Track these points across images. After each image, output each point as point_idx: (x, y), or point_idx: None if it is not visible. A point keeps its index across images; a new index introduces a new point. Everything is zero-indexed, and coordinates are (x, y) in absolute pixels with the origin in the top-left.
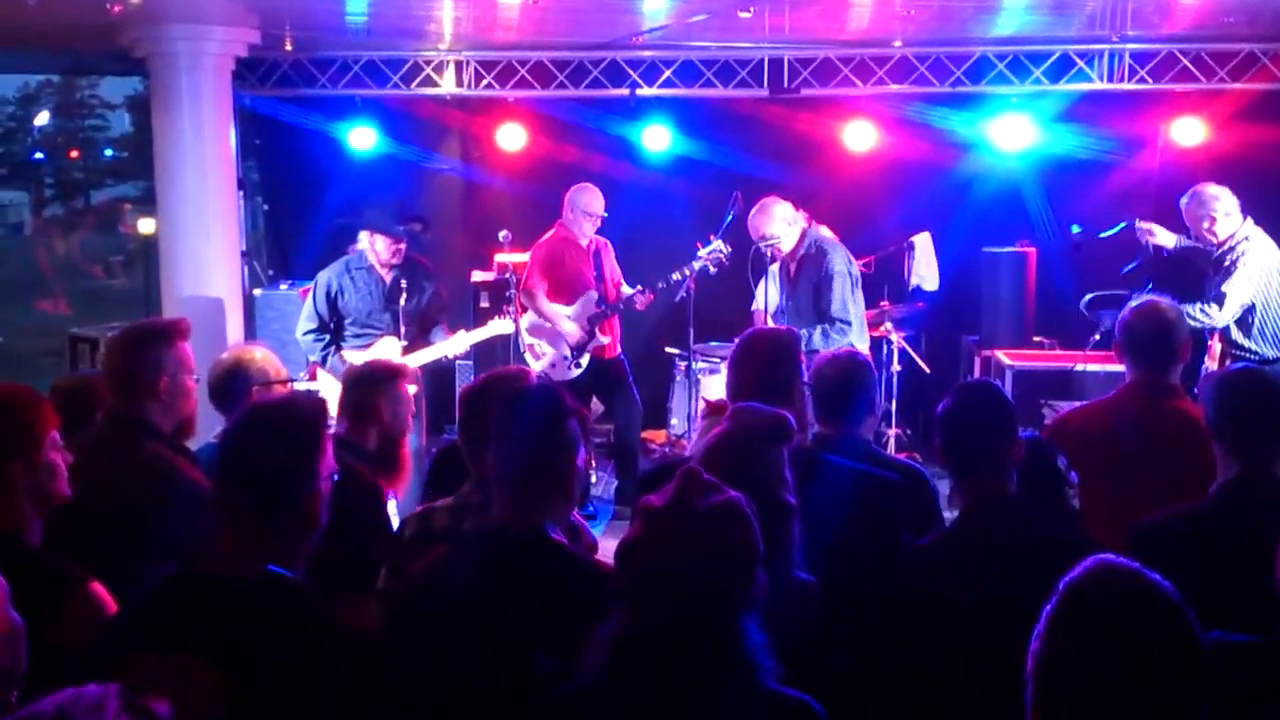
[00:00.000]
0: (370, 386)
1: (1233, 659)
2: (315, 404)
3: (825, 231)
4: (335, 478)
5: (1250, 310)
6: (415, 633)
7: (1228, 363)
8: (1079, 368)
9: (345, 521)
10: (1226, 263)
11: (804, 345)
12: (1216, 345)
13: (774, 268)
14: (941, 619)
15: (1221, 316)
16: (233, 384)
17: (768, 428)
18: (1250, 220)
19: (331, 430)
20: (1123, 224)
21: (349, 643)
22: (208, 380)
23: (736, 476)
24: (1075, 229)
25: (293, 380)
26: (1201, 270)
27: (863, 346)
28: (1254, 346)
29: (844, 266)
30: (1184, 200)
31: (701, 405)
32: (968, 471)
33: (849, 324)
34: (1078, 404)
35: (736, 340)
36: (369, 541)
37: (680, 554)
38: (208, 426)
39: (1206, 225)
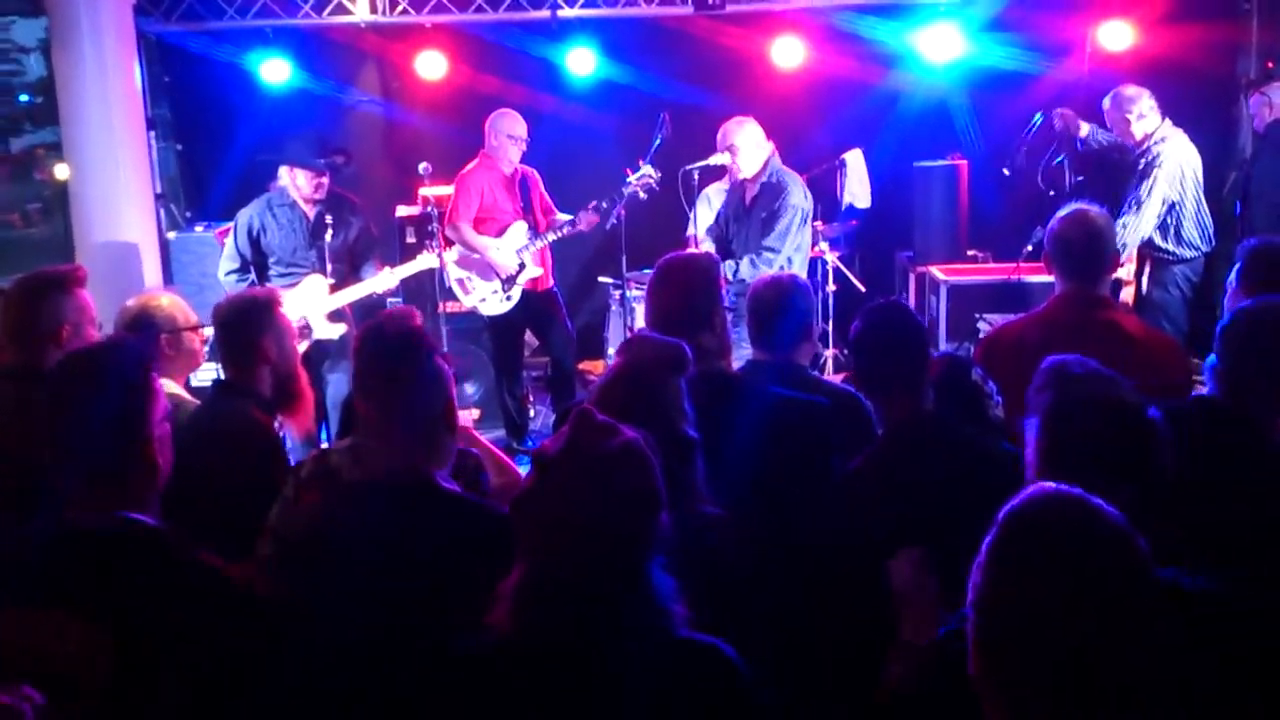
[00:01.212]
0: (245, 325)
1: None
2: (136, 349)
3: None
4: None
5: (1170, 210)
6: (298, 584)
7: (1146, 266)
8: (1013, 280)
9: (234, 473)
10: (1142, 165)
11: (732, 274)
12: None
13: (709, 190)
14: (870, 540)
15: (1144, 225)
16: (140, 330)
17: (664, 359)
18: (1168, 121)
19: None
20: (1040, 115)
21: (215, 586)
22: (114, 328)
23: (633, 411)
24: (1005, 171)
25: (202, 325)
26: (1122, 169)
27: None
28: (1171, 247)
29: (800, 202)
30: (1105, 103)
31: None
32: (884, 392)
33: (776, 252)
34: (1011, 317)
35: (653, 268)
36: (257, 493)
37: (577, 503)
38: None
39: (1124, 127)
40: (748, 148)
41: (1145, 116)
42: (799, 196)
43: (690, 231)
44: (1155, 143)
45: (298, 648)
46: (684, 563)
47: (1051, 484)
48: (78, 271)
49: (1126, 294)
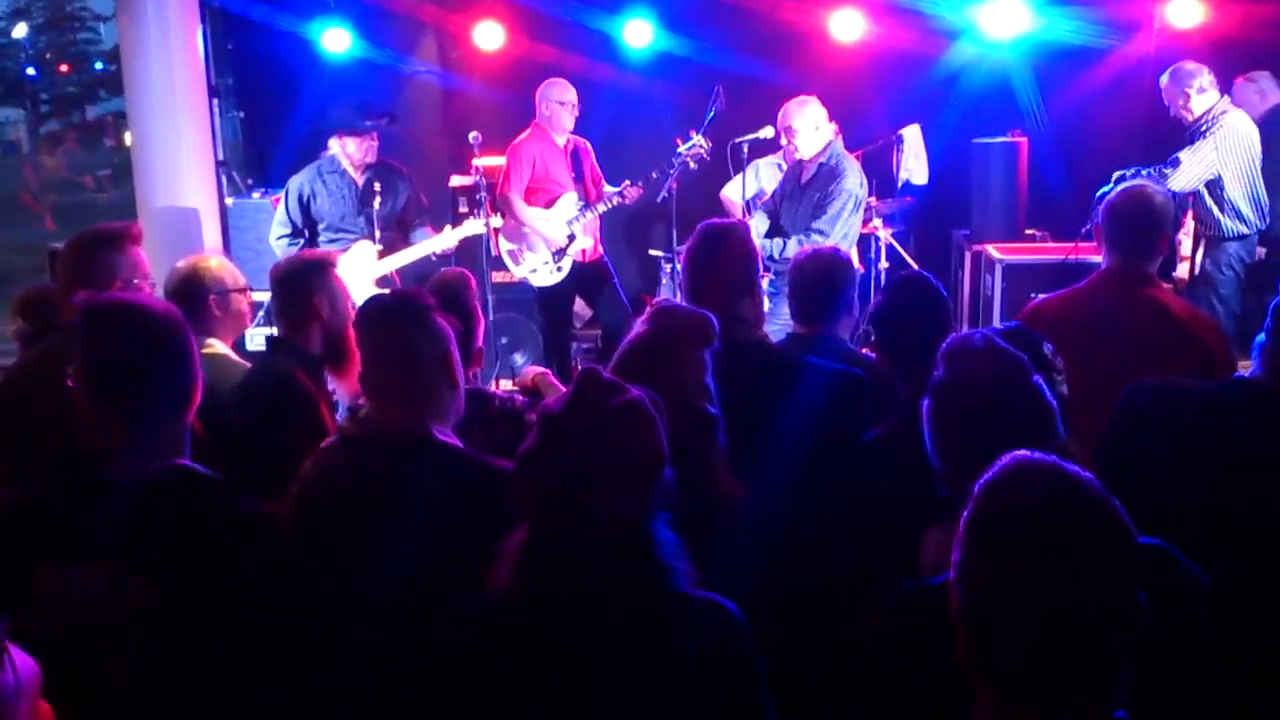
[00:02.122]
0: (300, 283)
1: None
2: (161, 303)
3: (845, 152)
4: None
5: (1217, 184)
6: (312, 536)
7: (1201, 245)
8: (1070, 260)
9: (271, 427)
10: (1195, 136)
11: (779, 253)
12: (1189, 221)
13: (760, 162)
14: (887, 514)
15: (1175, 180)
16: (189, 292)
17: (690, 330)
18: (1227, 98)
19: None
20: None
21: (268, 531)
22: (164, 290)
23: (653, 382)
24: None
25: (250, 288)
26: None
27: None
28: (1226, 222)
29: (854, 187)
30: (1163, 79)
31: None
32: (905, 366)
33: (824, 235)
34: (1052, 294)
35: (689, 242)
36: (291, 448)
37: (578, 459)
38: None
39: (1182, 102)
40: (806, 130)
41: (1205, 92)
42: (854, 182)
43: (724, 193)
44: (1215, 116)
45: (303, 603)
46: (701, 536)
47: (1026, 452)
48: (132, 228)
49: (1183, 269)
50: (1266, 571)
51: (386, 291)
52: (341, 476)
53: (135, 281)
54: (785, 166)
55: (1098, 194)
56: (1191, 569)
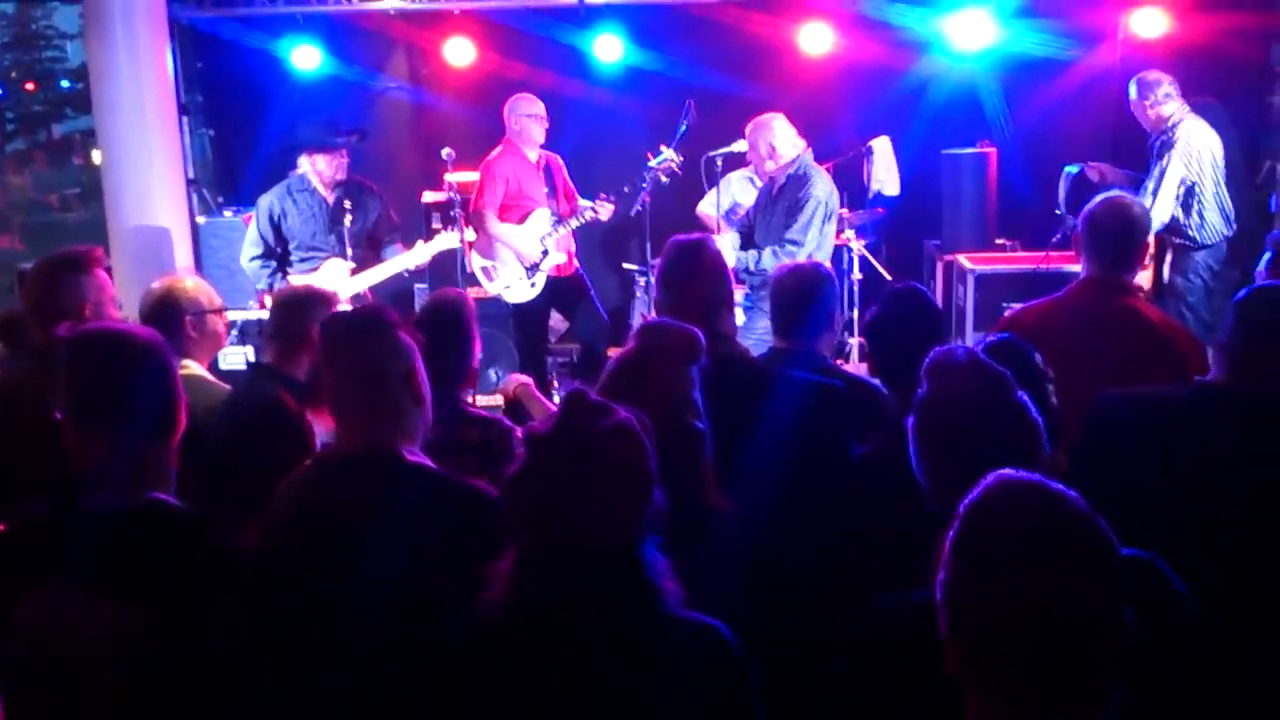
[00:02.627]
0: (301, 311)
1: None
2: (145, 330)
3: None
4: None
5: (1189, 192)
6: (284, 559)
7: (1167, 253)
8: (1041, 269)
9: (263, 453)
10: (1158, 147)
11: (755, 264)
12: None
13: (732, 175)
14: (878, 528)
15: (1161, 208)
16: (165, 314)
17: (679, 347)
18: (1186, 106)
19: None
20: (1074, 167)
21: (240, 566)
22: (139, 311)
23: (643, 399)
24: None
25: (227, 309)
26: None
27: None
28: (1193, 233)
29: (823, 194)
30: (1130, 89)
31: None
32: (898, 378)
33: (799, 245)
34: (1031, 303)
35: (663, 255)
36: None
37: (566, 482)
38: None
39: (1143, 111)
40: (784, 146)
41: (1163, 102)
42: (822, 189)
43: (700, 209)
44: (1171, 126)
45: (282, 623)
46: (689, 553)
47: (1010, 471)
48: (95, 252)
49: (1143, 278)
50: (1243, 572)
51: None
52: (311, 495)
53: (103, 305)
54: (759, 180)
55: (1062, 185)
56: (1174, 580)
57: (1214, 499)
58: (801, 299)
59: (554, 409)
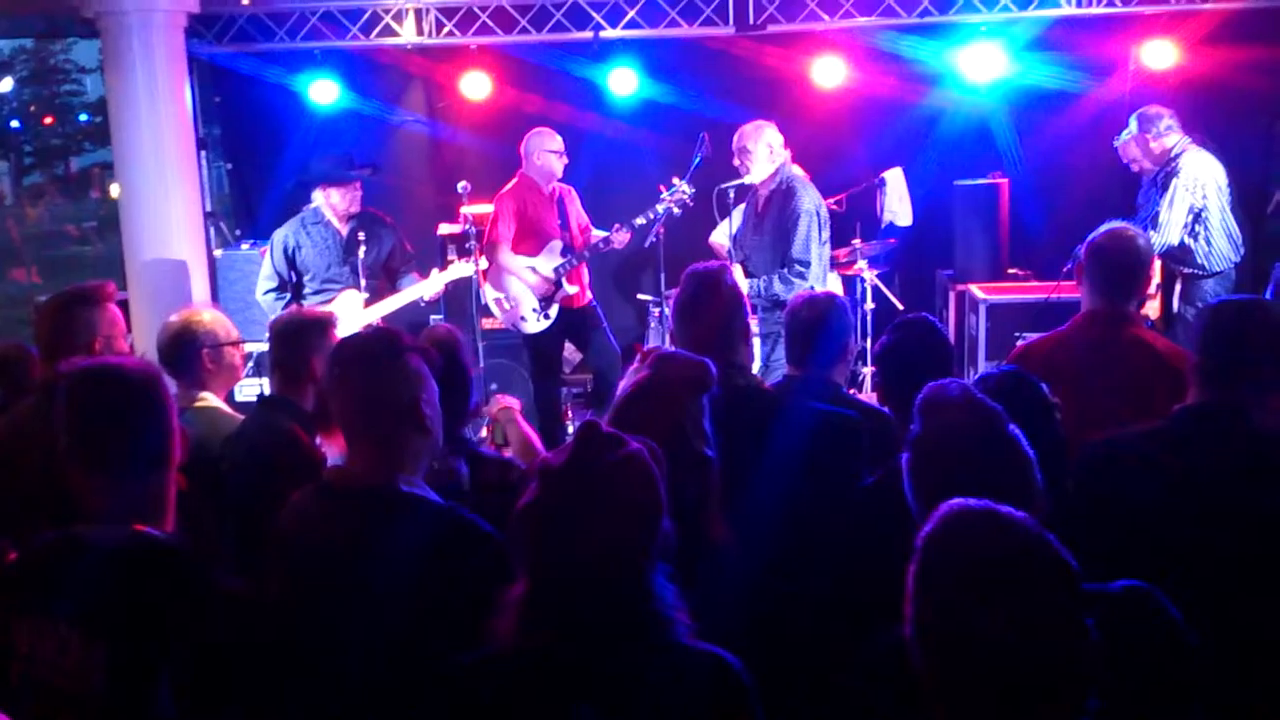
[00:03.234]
0: (298, 341)
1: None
2: (141, 363)
3: (797, 170)
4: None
5: (1197, 218)
6: (283, 588)
7: (1176, 283)
8: (1053, 299)
9: (273, 483)
10: (1162, 177)
11: (765, 290)
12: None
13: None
14: (886, 557)
15: (1170, 233)
16: (182, 347)
17: (689, 378)
18: (1188, 138)
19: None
20: None
21: (226, 604)
22: (156, 344)
23: (653, 429)
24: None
25: (244, 341)
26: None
27: (827, 286)
28: (1201, 260)
29: (811, 206)
30: (1130, 124)
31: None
32: (906, 406)
33: (807, 265)
34: (1037, 337)
35: (680, 286)
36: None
37: (578, 515)
38: None
39: (1146, 145)
40: (760, 153)
41: (1165, 134)
42: (809, 201)
43: (713, 239)
44: (1175, 156)
45: (289, 651)
46: (695, 579)
47: (961, 500)
48: (107, 286)
49: (1151, 308)
50: (1237, 593)
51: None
52: (315, 525)
53: (114, 339)
54: None
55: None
56: (1172, 610)
57: (1204, 522)
58: (815, 328)
59: (533, 436)
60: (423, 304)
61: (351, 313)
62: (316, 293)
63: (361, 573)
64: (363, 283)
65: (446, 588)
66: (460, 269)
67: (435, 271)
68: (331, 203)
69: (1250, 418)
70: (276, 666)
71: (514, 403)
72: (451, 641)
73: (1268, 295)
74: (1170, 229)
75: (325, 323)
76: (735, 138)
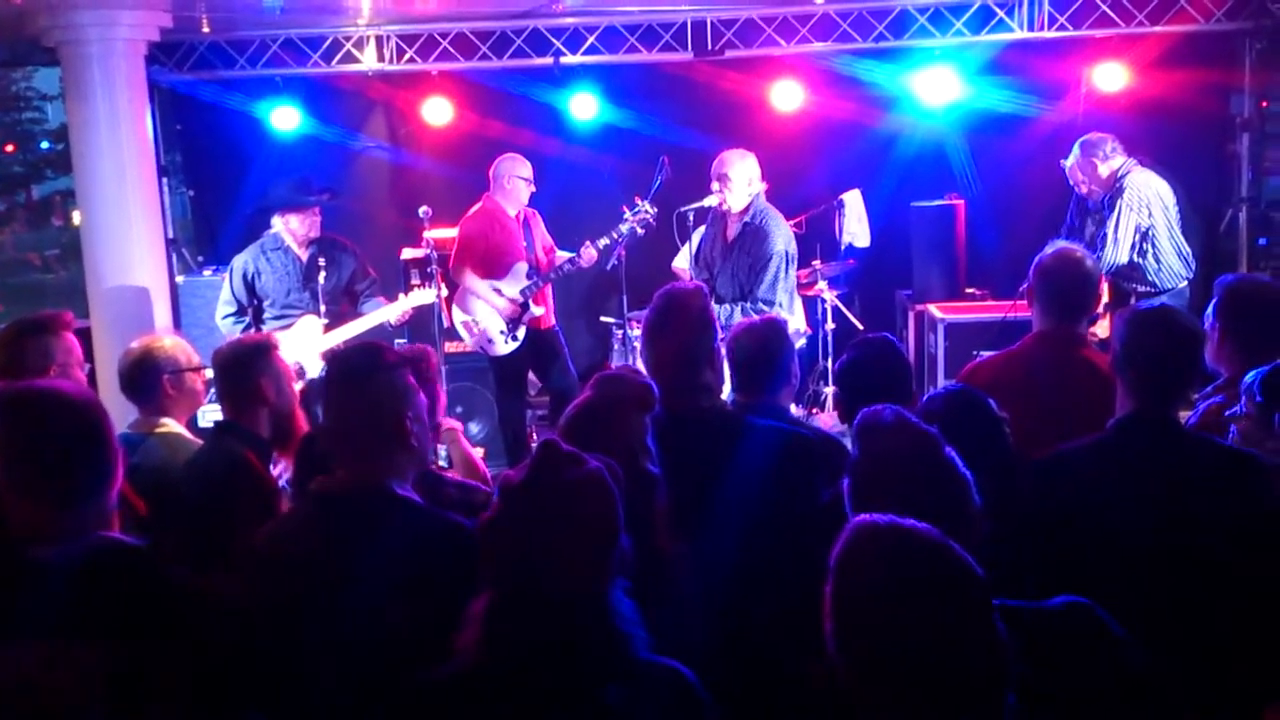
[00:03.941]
0: (243, 367)
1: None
2: (76, 388)
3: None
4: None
5: (1145, 237)
6: (268, 598)
7: (1130, 302)
8: (1010, 317)
9: (228, 510)
10: (1107, 199)
11: (726, 320)
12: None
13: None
14: None
15: (1120, 253)
16: (143, 373)
17: (632, 397)
18: (1133, 160)
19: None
20: None
21: (199, 601)
22: (118, 370)
23: (597, 445)
24: None
25: (205, 367)
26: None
27: (795, 318)
28: (1152, 277)
29: (783, 248)
30: (1074, 151)
31: None
32: None
33: (771, 304)
34: (985, 357)
35: (650, 307)
36: (241, 526)
37: (540, 530)
38: (120, 416)
39: (1092, 170)
40: (739, 182)
41: (1109, 158)
42: (781, 242)
43: (675, 264)
44: (1120, 177)
45: (267, 655)
46: (642, 597)
47: (866, 515)
48: (64, 315)
49: (1101, 327)
50: (1193, 592)
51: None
52: (307, 531)
53: (70, 367)
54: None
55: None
56: (1112, 624)
57: (1146, 530)
58: (759, 356)
59: (476, 458)
60: (389, 328)
61: (311, 338)
62: (276, 318)
63: (358, 572)
64: (322, 308)
65: (443, 590)
66: (422, 295)
67: (401, 295)
68: (290, 228)
69: (1176, 426)
70: (256, 667)
71: (457, 425)
72: (448, 642)
73: (1210, 311)
74: (1120, 248)
75: (266, 345)
76: (716, 163)
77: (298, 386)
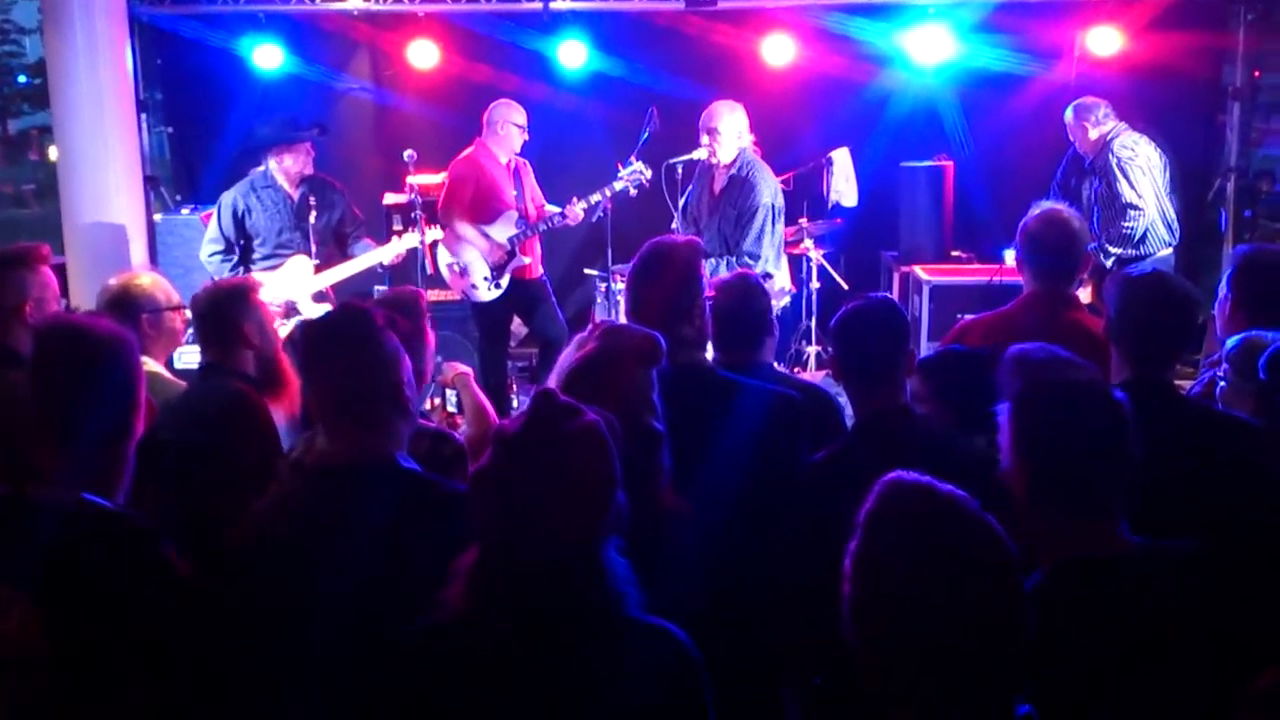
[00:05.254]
0: (227, 311)
1: None
2: (114, 329)
3: (756, 156)
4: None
5: (1134, 204)
6: (264, 574)
7: (1110, 264)
8: (996, 281)
9: (233, 449)
10: (1112, 160)
11: (710, 275)
12: None
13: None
14: (836, 533)
15: (1146, 214)
16: (121, 310)
17: (637, 350)
18: (1123, 124)
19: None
20: None
21: (170, 579)
22: (95, 307)
23: (601, 399)
24: None
25: (184, 306)
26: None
27: (780, 275)
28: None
29: (769, 199)
30: (1067, 115)
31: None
32: (861, 382)
33: (756, 258)
34: (977, 317)
35: (634, 261)
36: (268, 463)
37: (533, 482)
38: None
39: (1083, 134)
40: (729, 134)
41: (1100, 124)
42: (767, 194)
43: (674, 225)
44: (1112, 138)
45: (267, 636)
46: (643, 552)
47: (900, 474)
48: (41, 249)
49: (1083, 295)
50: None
51: (327, 308)
52: (303, 506)
53: (45, 302)
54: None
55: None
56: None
57: (1152, 498)
58: (737, 312)
59: (486, 404)
60: (380, 269)
61: (302, 278)
62: (266, 258)
63: (372, 552)
64: (313, 248)
65: (446, 557)
66: (411, 239)
67: (395, 238)
68: (284, 166)
69: (1174, 390)
70: (242, 647)
71: (468, 369)
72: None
73: (1224, 282)
74: (1148, 208)
75: (247, 287)
76: (704, 116)
77: (288, 326)
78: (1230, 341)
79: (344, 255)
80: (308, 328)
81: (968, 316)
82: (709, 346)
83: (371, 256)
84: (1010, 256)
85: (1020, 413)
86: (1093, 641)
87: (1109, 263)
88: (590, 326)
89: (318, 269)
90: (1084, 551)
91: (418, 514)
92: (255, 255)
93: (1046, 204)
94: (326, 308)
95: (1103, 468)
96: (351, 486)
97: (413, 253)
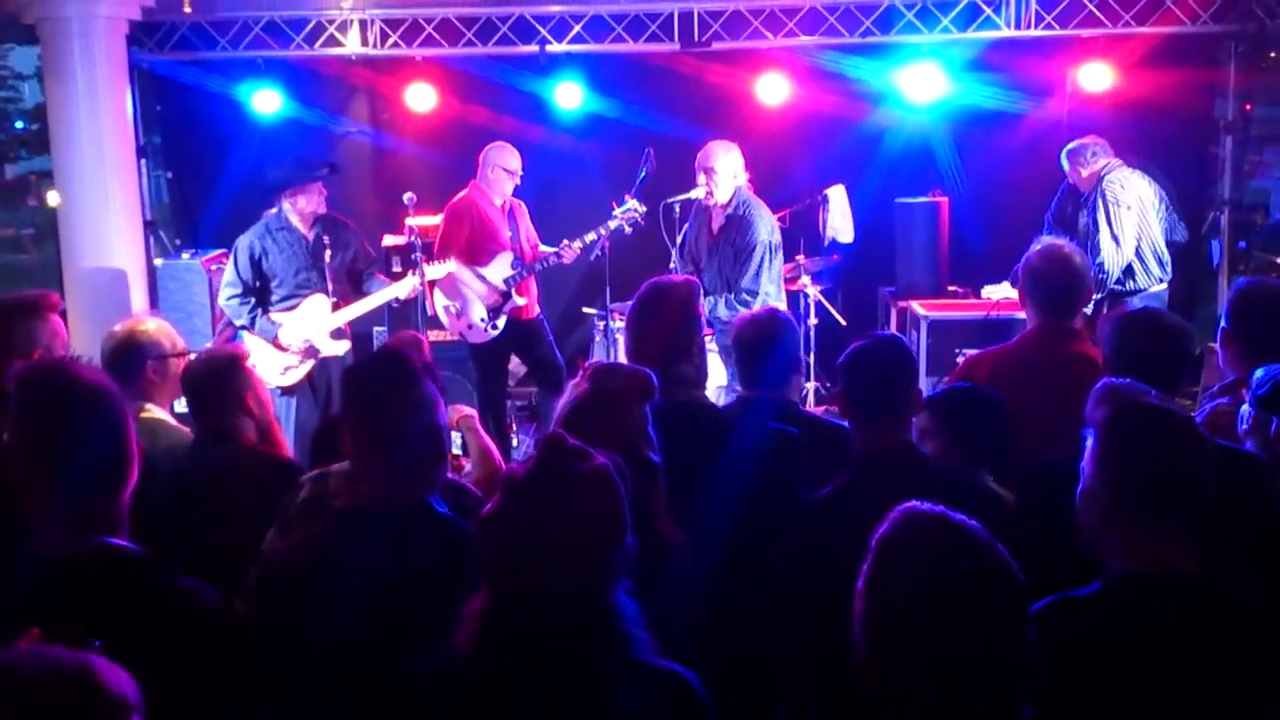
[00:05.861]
0: (227, 383)
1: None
2: (95, 376)
3: (751, 194)
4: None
5: (1139, 240)
6: (291, 612)
7: (1105, 304)
8: (993, 315)
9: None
10: (1100, 197)
11: (710, 312)
12: None
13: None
14: (839, 567)
15: (1126, 253)
16: (126, 357)
17: (631, 387)
18: (1117, 161)
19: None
20: None
21: (196, 615)
22: (100, 354)
23: (599, 437)
24: None
25: (189, 352)
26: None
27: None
28: (1139, 281)
29: (767, 237)
30: (1062, 161)
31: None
32: (867, 418)
33: (754, 295)
34: (982, 350)
35: (633, 300)
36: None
37: (543, 527)
38: None
39: (1078, 174)
40: (725, 174)
41: (1090, 163)
42: (765, 231)
43: (673, 264)
44: (1105, 173)
45: (286, 672)
46: (643, 585)
47: (914, 504)
48: (50, 297)
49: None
50: None
51: (346, 345)
52: (334, 548)
53: (54, 350)
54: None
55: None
56: None
57: None
58: (763, 348)
59: (491, 446)
60: (395, 304)
61: (320, 317)
62: (285, 299)
63: (404, 595)
64: (330, 287)
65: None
66: (429, 271)
67: (410, 274)
68: (299, 207)
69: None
70: (269, 685)
71: (473, 412)
72: None
73: (1223, 313)
74: (1124, 249)
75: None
76: (700, 155)
77: (307, 366)
78: (1258, 374)
79: (359, 293)
80: (349, 371)
81: (969, 351)
82: (706, 384)
83: (387, 292)
84: (989, 291)
85: (1111, 429)
86: (1150, 651)
87: (1097, 295)
88: (580, 369)
89: (334, 307)
90: (1150, 565)
91: (452, 559)
92: (273, 297)
93: (1047, 239)
94: (345, 345)
95: (1184, 481)
96: (385, 530)
97: (414, 293)
